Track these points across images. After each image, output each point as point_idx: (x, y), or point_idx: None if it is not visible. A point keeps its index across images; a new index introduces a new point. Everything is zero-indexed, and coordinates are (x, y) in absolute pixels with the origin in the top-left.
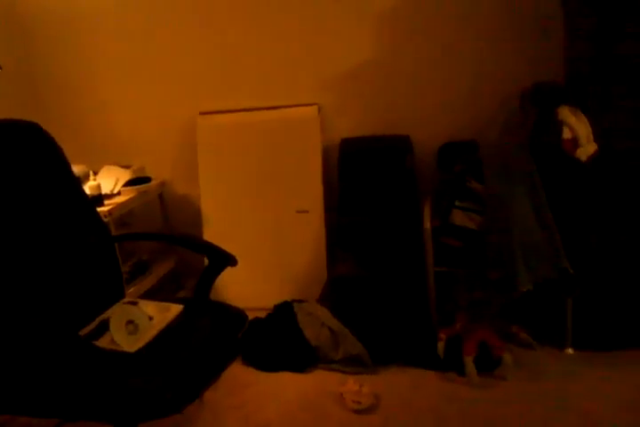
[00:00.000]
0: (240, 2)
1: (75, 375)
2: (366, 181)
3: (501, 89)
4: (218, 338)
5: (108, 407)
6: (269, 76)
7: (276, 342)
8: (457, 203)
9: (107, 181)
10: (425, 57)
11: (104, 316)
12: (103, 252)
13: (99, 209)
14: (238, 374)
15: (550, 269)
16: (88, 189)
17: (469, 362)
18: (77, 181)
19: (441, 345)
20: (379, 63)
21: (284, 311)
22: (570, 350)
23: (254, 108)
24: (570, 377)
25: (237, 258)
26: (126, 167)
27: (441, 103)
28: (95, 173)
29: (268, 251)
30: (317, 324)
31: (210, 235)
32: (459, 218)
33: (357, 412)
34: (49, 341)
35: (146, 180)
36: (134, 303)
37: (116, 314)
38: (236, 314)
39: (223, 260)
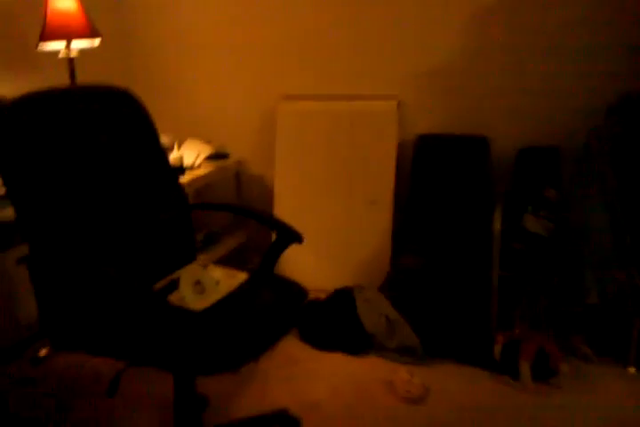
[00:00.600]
0: None
1: (146, 324)
2: (439, 178)
3: (588, 100)
4: (278, 307)
5: (171, 357)
6: (353, 65)
7: (333, 323)
8: (530, 209)
9: (189, 154)
10: (511, 61)
11: (175, 275)
12: (181, 218)
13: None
14: (293, 349)
15: (620, 286)
16: (171, 159)
17: (525, 366)
18: (164, 150)
19: (498, 348)
20: (464, 62)
21: (343, 295)
22: (632, 370)
23: (335, 95)
24: (627, 395)
25: (304, 238)
26: (207, 142)
27: (523, 108)
28: (179, 145)
29: (334, 236)
30: (375, 312)
31: (280, 215)
32: (531, 223)
33: (406, 401)
34: (127, 291)
35: (225, 156)
36: (204, 266)
37: (186, 273)
38: (297, 288)
39: (290, 236)
